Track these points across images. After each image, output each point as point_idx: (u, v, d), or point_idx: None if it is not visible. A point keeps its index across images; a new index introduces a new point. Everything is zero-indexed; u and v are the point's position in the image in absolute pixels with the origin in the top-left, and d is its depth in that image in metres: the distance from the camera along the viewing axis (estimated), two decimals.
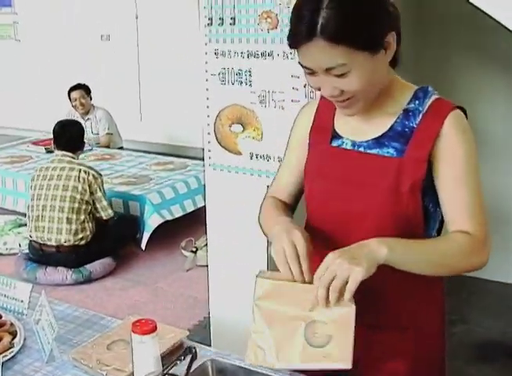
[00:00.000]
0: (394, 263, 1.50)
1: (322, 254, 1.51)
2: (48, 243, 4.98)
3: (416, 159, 1.58)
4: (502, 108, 4.59)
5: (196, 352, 1.67)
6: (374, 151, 1.65)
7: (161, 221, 5.46)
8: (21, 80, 10.61)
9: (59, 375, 1.83)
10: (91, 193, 5.04)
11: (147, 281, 5.05)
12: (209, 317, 3.35)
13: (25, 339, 2.00)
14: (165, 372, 1.59)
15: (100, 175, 5.20)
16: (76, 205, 4.95)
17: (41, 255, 5.06)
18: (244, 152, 2.97)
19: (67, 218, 4.93)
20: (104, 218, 5.19)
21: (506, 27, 2.35)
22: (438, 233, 1.75)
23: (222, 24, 2.89)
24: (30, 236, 5.10)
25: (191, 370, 1.64)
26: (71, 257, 4.99)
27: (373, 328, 1.51)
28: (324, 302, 1.46)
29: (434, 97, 1.65)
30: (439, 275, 1.68)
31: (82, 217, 5.00)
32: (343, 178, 1.68)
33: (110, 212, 5.21)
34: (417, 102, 1.64)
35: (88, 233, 5.07)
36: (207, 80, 3.01)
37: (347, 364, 1.46)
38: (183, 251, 5.36)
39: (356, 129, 1.70)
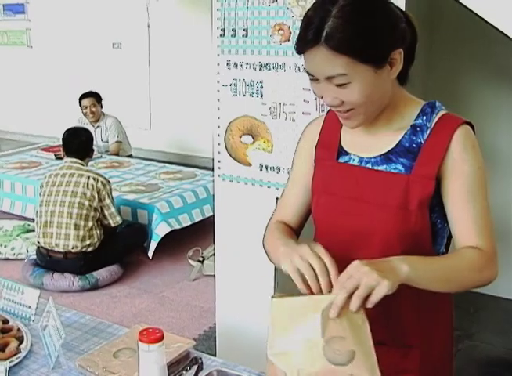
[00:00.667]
0: (413, 281, 1.47)
1: None
2: (56, 249, 4.99)
3: (424, 176, 1.58)
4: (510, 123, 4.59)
5: (202, 362, 1.68)
6: (382, 167, 1.65)
7: (169, 230, 5.46)
8: (32, 86, 10.67)
9: None
10: (100, 200, 5.06)
11: (153, 289, 5.05)
12: (215, 327, 3.35)
13: (32, 345, 2.00)
14: None
15: (109, 182, 5.22)
16: (84, 212, 4.97)
17: (48, 261, 5.07)
18: (254, 163, 2.98)
19: (75, 225, 4.94)
20: (112, 225, 5.20)
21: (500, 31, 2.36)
22: (446, 248, 1.74)
23: (235, 35, 2.90)
24: (38, 242, 5.11)
25: None
26: (78, 263, 5.00)
27: (377, 345, 1.50)
28: (338, 310, 1.39)
29: (441, 113, 1.64)
30: (450, 291, 1.66)
31: (90, 224, 5.01)
32: (350, 195, 1.67)
33: (118, 219, 5.21)
34: (425, 118, 1.63)
35: (96, 240, 5.07)
36: (218, 91, 3.02)
37: None
38: (190, 261, 5.36)
39: (363, 145, 1.69)
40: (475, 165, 1.60)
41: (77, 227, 4.95)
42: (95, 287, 5.02)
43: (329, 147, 1.75)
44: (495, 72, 4.55)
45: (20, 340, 2.01)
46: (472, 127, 1.64)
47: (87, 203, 4.97)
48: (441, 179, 1.60)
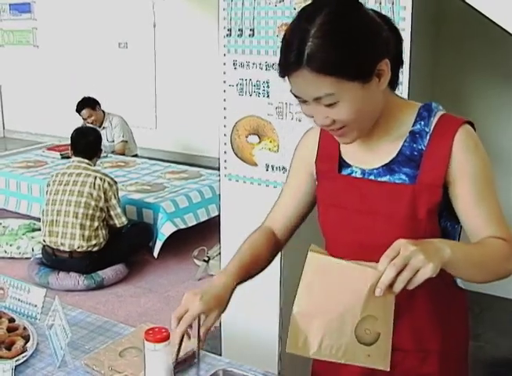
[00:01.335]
0: (453, 265, 1.42)
1: None
2: (62, 248, 4.99)
3: (430, 184, 1.56)
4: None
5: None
6: (385, 178, 1.62)
7: (174, 229, 5.47)
8: (38, 86, 10.69)
9: None
10: (106, 200, 5.06)
11: (159, 289, 5.05)
12: (220, 327, 3.35)
13: (38, 344, 2.00)
14: None
15: (115, 182, 5.22)
16: (90, 212, 4.97)
17: (53, 260, 5.08)
18: (260, 163, 2.98)
19: (81, 224, 4.95)
20: (118, 225, 5.20)
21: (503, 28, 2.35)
22: None
23: (241, 35, 2.90)
24: (44, 241, 5.11)
25: None
26: (84, 263, 5.01)
27: (396, 351, 1.47)
28: (385, 288, 1.34)
29: (439, 114, 1.61)
30: (481, 279, 1.57)
31: (96, 224, 5.02)
32: (356, 208, 1.65)
33: (124, 220, 5.22)
34: (422, 122, 1.60)
35: (102, 240, 5.08)
36: (224, 90, 3.02)
37: (386, 366, 1.41)
38: (195, 260, 5.37)
39: (364, 157, 1.67)
40: (481, 164, 1.57)
41: (82, 227, 4.95)
42: (100, 286, 5.03)
43: (329, 160, 1.73)
44: (500, 71, 4.54)
45: (26, 339, 2.01)
46: (472, 125, 1.61)
47: (93, 203, 4.98)
48: (448, 184, 1.57)
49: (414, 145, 1.60)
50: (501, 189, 1.79)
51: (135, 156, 7.80)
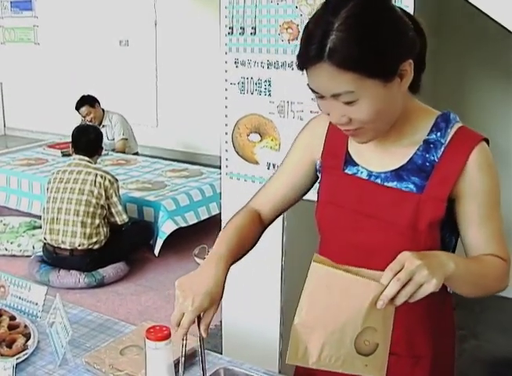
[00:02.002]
0: (452, 280, 1.40)
1: None
2: (62, 246, 5.00)
3: (436, 198, 1.52)
4: None
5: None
6: (392, 184, 1.58)
7: (175, 227, 5.47)
8: (39, 83, 10.69)
9: None
10: (107, 198, 5.06)
11: (159, 287, 5.05)
12: (221, 325, 3.35)
13: (39, 342, 2.00)
14: None
15: (116, 180, 5.22)
16: (91, 209, 4.97)
17: (54, 258, 5.08)
18: (261, 161, 2.98)
19: (82, 222, 4.95)
20: (118, 223, 5.21)
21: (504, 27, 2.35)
22: None
23: (243, 34, 2.90)
24: (45, 239, 5.12)
25: None
26: (85, 261, 5.01)
27: (389, 354, 1.46)
28: (387, 301, 1.32)
29: (456, 126, 1.56)
30: (471, 295, 1.56)
31: (97, 221, 5.02)
32: (356, 209, 1.61)
33: (125, 218, 5.22)
34: (439, 133, 1.55)
35: (103, 237, 5.08)
36: (226, 89, 3.02)
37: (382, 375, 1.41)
38: (196, 258, 5.36)
39: (372, 158, 1.62)
40: (491, 184, 1.55)
41: (83, 225, 4.95)
42: (101, 284, 5.03)
43: (336, 155, 1.68)
44: (503, 75, 4.54)
45: (27, 337, 2.01)
46: (487, 142, 1.56)
47: (94, 200, 4.98)
48: (455, 199, 1.54)
49: (427, 155, 1.55)
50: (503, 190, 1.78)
51: (136, 154, 7.81)
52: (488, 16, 2.36)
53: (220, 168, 3.19)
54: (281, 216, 1.91)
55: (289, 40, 2.76)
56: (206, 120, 8.84)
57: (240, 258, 1.72)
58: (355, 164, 1.65)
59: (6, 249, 5.65)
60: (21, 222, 6.09)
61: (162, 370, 1.59)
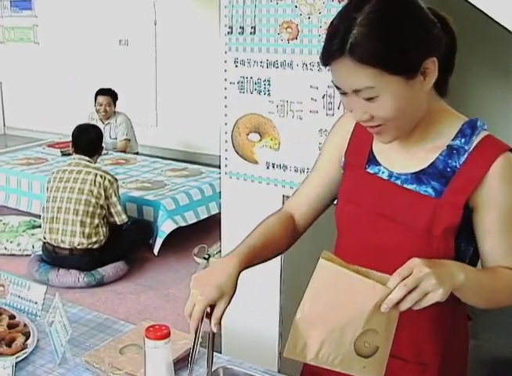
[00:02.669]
0: (461, 291, 1.40)
1: None
2: (62, 245, 5.00)
3: (453, 203, 1.50)
4: None
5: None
6: (411, 187, 1.56)
7: (175, 227, 5.48)
8: (39, 83, 10.69)
9: None
10: (107, 198, 5.06)
11: (159, 286, 5.05)
12: (220, 324, 3.34)
13: (38, 340, 2.01)
14: None
15: (116, 180, 5.22)
16: (91, 209, 4.97)
17: (54, 257, 5.08)
18: (261, 161, 2.98)
19: (81, 222, 4.95)
20: (118, 223, 5.21)
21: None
22: None
23: (243, 33, 2.90)
24: (44, 238, 5.12)
25: None
26: (84, 260, 5.01)
27: (396, 359, 1.45)
28: (392, 305, 1.32)
29: (482, 134, 1.53)
30: (480, 307, 1.55)
31: (96, 221, 5.02)
32: (376, 209, 1.60)
33: (124, 218, 5.22)
34: (463, 139, 1.52)
35: (102, 237, 5.08)
36: (225, 88, 3.02)
37: None
38: (195, 258, 5.36)
39: (394, 159, 1.61)
40: (511, 197, 1.52)
41: (83, 224, 4.95)
42: (100, 283, 5.03)
43: (359, 153, 1.67)
44: (500, 68, 4.54)
45: (27, 335, 2.01)
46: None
47: (93, 200, 4.98)
48: (473, 208, 1.52)
49: (449, 161, 1.53)
50: None
51: (136, 154, 7.82)
52: (488, 16, 2.36)
53: (220, 167, 3.19)
54: None
55: (288, 39, 2.76)
56: (205, 119, 8.84)
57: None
58: (378, 164, 1.64)
59: (6, 248, 5.65)
60: (21, 221, 6.09)
61: (161, 369, 1.60)
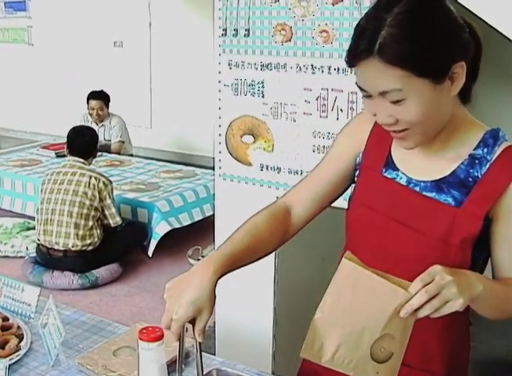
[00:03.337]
0: (477, 302, 1.38)
1: None
2: (56, 247, 4.99)
3: (473, 214, 1.48)
4: None
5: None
6: (431, 195, 1.53)
7: (169, 229, 5.48)
8: (33, 84, 10.67)
9: None
10: (101, 200, 5.06)
11: (153, 288, 5.04)
12: (214, 326, 3.35)
13: (32, 342, 2.00)
14: None
15: (110, 182, 5.22)
16: (85, 211, 4.97)
17: (48, 259, 5.08)
18: (255, 163, 2.98)
19: (75, 224, 4.94)
20: (112, 225, 5.21)
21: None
22: None
23: (236, 35, 2.90)
24: (38, 240, 5.11)
25: None
26: (78, 262, 5.01)
27: (401, 365, 1.41)
28: (412, 311, 1.31)
29: (505, 144, 1.51)
30: (491, 317, 1.54)
31: (90, 223, 5.01)
32: (389, 214, 1.57)
33: (118, 220, 5.22)
34: (486, 150, 1.51)
35: (96, 239, 5.08)
36: (219, 90, 3.02)
37: None
38: (190, 260, 5.36)
39: (414, 165, 1.58)
40: None
41: (77, 226, 4.95)
42: (94, 285, 5.03)
43: (377, 156, 1.64)
44: (500, 74, 4.54)
45: (20, 338, 2.01)
46: None
47: (88, 202, 4.98)
48: (492, 218, 1.50)
49: (471, 170, 1.51)
50: None
51: (131, 155, 7.81)
52: (487, 23, 2.37)
53: (214, 169, 3.19)
54: None
55: (282, 42, 2.76)
56: (200, 121, 8.84)
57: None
58: (396, 169, 1.61)
59: (0, 250, 5.64)
60: (15, 223, 6.08)
61: (154, 370, 1.60)
